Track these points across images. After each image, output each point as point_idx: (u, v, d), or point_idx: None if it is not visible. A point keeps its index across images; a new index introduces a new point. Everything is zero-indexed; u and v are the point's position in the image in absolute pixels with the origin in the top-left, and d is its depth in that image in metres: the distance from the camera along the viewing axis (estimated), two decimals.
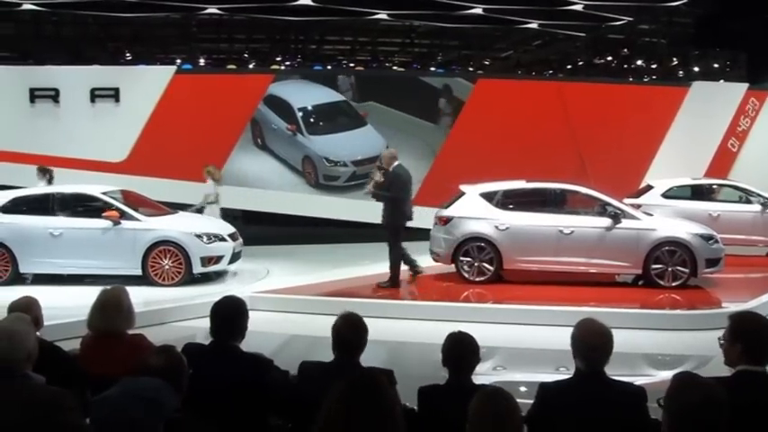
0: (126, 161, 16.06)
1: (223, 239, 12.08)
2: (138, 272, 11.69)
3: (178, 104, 16.26)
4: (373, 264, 13.38)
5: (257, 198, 15.94)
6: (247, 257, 12.78)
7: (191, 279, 11.86)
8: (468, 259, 11.72)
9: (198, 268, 11.83)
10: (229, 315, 4.21)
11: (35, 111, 16.16)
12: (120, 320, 4.53)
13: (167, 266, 11.76)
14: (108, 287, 4.75)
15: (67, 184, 13.33)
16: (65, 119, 16.13)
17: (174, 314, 10.25)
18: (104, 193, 12.32)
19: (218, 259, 12.00)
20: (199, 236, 11.86)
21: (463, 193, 12.13)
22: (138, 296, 4.81)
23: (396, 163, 11.10)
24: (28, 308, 4.52)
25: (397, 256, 11.24)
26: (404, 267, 11.53)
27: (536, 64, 24.97)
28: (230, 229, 12.60)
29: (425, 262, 12.44)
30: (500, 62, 25.03)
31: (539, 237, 11.45)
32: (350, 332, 4.12)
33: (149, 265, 11.74)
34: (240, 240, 12.56)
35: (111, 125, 16.11)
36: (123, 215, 11.92)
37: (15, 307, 4.55)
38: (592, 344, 3.68)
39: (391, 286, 11.21)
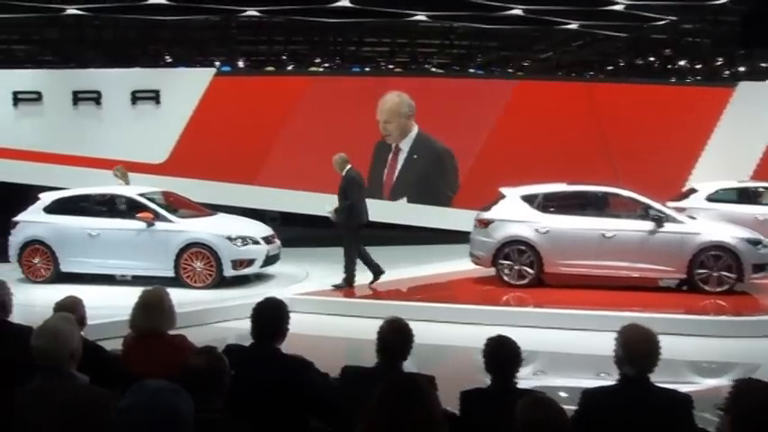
0: (166, 163, 16.27)
1: (256, 242, 12.08)
2: (171, 273, 11.78)
3: (218, 106, 16.41)
4: (412, 266, 13.49)
5: (301, 200, 16.00)
6: (287, 259, 12.80)
7: (224, 281, 11.91)
8: (509, 262, 11.65)
9: (228, 271, 11.86)
10: (270, 317, 4.21)
11: (78, 113, 16.42)
12: (161, 320, 4.57)
13: (199, 269, 11.82)
14: (149, 287, 4.79)
15: (109, 185, 13.56)
16: (106, 121, 16.37)
17: (214, 315, 10.34)
18: (143, 195, 12.49)
19: (250, 262, 12.01)
20: (230, 238, 11.88)
21: (503, 196, 12.07)
22: (174, 298, 4.81)
23: (348, 167, 11.37)
24: (73, 307, 4.56)
25: (353, 258, 11.37)
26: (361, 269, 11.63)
27: (576, 65, 24.73)
28: (266, 231, 12.60)
29: (465, 265, 12.49)
30: (539, 63, 24.84)
31: (580, 240, 11.33)
32: (395, 337, 4.11)
33: (181, 267, 11.83)
34: (277, 243, 12.57)
35: (151, 127, 16.34)
36: (157, 217, 12.04)
37: (61, 306, 4.60)
38: (640, 349, 3.63)
39: (347, 287, 11.39)
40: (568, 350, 9.13)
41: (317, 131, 16.10)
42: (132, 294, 4.82)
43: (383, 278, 11.79)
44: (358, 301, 10.89)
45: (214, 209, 13.43)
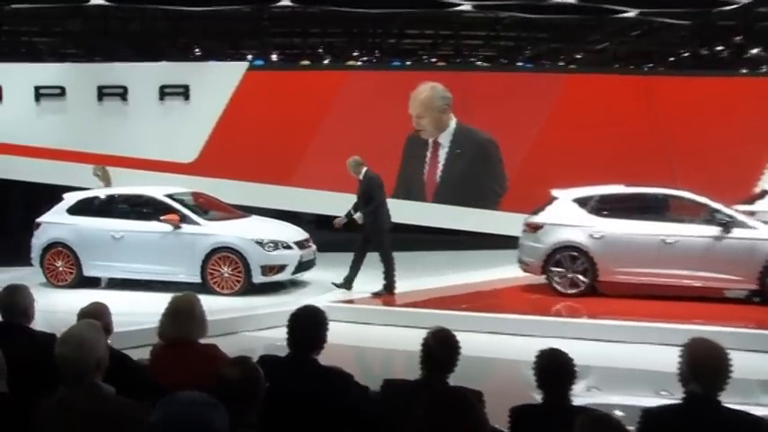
0: (196, 162, 16.43)
1: (288, 247, 12.14)
2: (198, 279, 11.87)
3: (250, 102, 16.55)
4: (456, 273, 13.51)
5: (339, 202, 15.96)
6: (324, 265, 12.89)
7: (255, 288, 11.98)
8: (560, 270, 11.58)
9: (257, 277, 11.91)
10: (308, 325, 4.23)
11: (103, 109, 16.65)
12: (192, 328, 4.59)
13: (226, 274, 11.90)
14: (179, 294, 4.82)
15: (136, 185, 13.82)
16: (133, 117, 16.57)
17: (246, 323, 10.42)
18: (170, 196, 12.63)
19: (281, 268, 12.05)
20: (260, 242, 11.96)
21: (555, 198, 11.99)
22: (203, 305, 4.84)
23: (364, 169, 11.63)
24: (98, 314, 4.61)
25: (391, 263, 11.59)
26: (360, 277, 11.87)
27: (634, 57, 24.40)
28: (300, 235, 12.68)
29: (514, 272, 12.43)
30: (593, 55, 24.57)
31: (638, 246, 11.20)
32: (441, 349, 4.10)
33: (208, 273, 11.92)
34: (312, 248, 12.64)
35: (180, 124, 16.51)
36: (183, 219, 12.15)
37: (86, 313, 4.65)
38: (709, 365, 3.56)
39: (387, 294, 11.58)
40: (625, 365, 9.02)
41: (355, 129, 16.15)
42: (160, 301, 4.86)
43: (430, 284, 11.95)
44: (399, 310, 10.92)
45: (247, 211, 13.56)
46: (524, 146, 16.50)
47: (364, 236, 11.74)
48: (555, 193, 12.09)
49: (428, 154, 16.59)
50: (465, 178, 16.58)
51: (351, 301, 11.35)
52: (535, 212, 12.07)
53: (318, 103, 16.66)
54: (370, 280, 11.85)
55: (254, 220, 13.18)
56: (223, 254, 11.91)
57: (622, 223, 11.43)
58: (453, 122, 16.52)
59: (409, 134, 16.48)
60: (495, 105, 16.41)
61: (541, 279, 11.83)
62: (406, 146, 16.47)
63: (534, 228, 11.89)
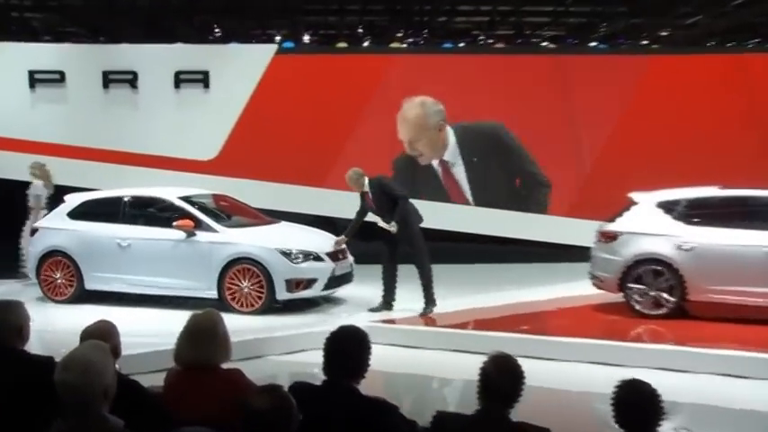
0: (217, 159, 16.66)
1: (318, 258, 12.25)
2: (214, 294, 12.02)
3: (279, 91, 16.71)
4: (517, 289, 13.72)
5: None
6: (364, 279, 12.98)
7: (280, 306, 12.14)
8: (641, 287, 11.52)
9: (282, 294, 12.01)
10: (348, 349, 4.27)
11: (109, 98, 16.88)
12: (214, 351, 4.59)
13: (246, 289, 12.01)
14: (199, 311, 4.84)
15: (147, 186, 13.98)
16: (144, 108, 16.82)
17: (275, 346, 10.53)
18: (186, 198, 12.84)
19: (309, 283, 12.14)
20: (286, 253, 12.06)
21: (634, 203, 11.89)
22: (228, 324, 4.88)
23: (366, 179, 11.98)
24: (106, 334, 4.65)
25: (429, 271, 11.76)
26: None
27: (733, 32, 23.98)
28: (333, 243, 12.74)
29: (585, 288, 12.41)
30: (683, 31, 24.23)
31: (737, 260, 11.03)
32: (502, 378, 4.09)
33: (226, 287, 12.05)
34: (349, 260, 12.76)
35: (198, 116, 16.73)
36: (199, 225, 12.31)
37: (91, 333, 4.68)
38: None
39: (431, 308, 11.77)
40: (722, 402, 8.86)
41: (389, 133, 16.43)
42: (176, 319, 4.92)
43: (488, 301, 12.08)
44: (452, 332, 10.94)
45: (275, 217, 13.80)
46: (597, 142, 16.44)
47: (390, 244, 11.85)
48: (634, 196, 12.01)
49: (441, 178, 16.76)
50: (499, 182, 16.70)
51: (392, 321, 11.44)
52: (611, 219, 12.02)
53: (358, 93, 16.81)
54: (412, 297, 11.93)
55: (283, 227, 13.36)
56: (243, 265, 12.02)
57: (717, 232, 11.24)
58: (451, 135, 16.66)
59: (397, 157, 16.62)
60: (563, 95, 16.33)
61: (618, 297, 11.77)
62: (399, 170, 16.44)
63: (609, 237, 11.83)
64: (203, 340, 4.61)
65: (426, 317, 11.63)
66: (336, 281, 12.48)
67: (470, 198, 16.67)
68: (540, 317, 12.05)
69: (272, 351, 10.38)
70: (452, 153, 16.68)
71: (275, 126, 16.66)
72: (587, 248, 12.37)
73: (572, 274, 13.38)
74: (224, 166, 16.47)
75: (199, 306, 5.16)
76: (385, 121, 16.46)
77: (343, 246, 12.73)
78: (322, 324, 10.67)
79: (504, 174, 16.66)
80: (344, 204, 16.09)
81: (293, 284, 12.06)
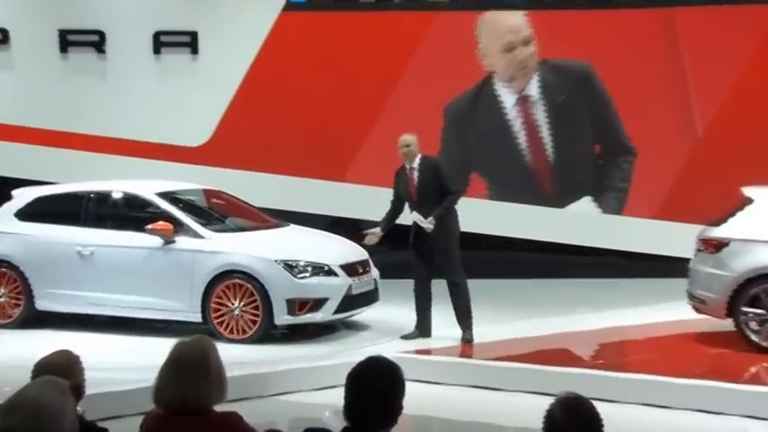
0: (208, 145, 16.66)
1: (330, 273, 12.21)
2: (198, 317, 12.02)
3: (287, 58, 16.68)
4: (589, 312, 13.71)
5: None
6: (391, 297, 13.00)
7: (279, 334, 12.20)
8: (759, 311, 11.30)
9: (282, 317, 11.96)
10: (376, 387, 4.16)
11: (68, 66, 16.89)
12: (205, 390, 4.49)
13: (236, 311, 11.94)
14: (186, 338, 4.74)
15: (119, 178, 13.85)
16: (114, 79, 16.81)
17: (282, 382, 10.49)
18: (164, 195, 12.82)
19: (318, 304, 12.07)
20: (288, 265, 12.03)
21: (749, 201, 11.74)
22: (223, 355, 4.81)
23: (419, 156, 11.94)
24: (65, 369, 4.62)
25: (465, 284, 11.83)
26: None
27: None
28: (354, 255, 12.77)
29: (680, 312, 12.29)
30: None
31: None
32: (573, 425, 4.00)
33: (212, 308, 11.99)
34: (372, 275, 12.78)
35: (185, 90, 16.73)
36: (180, 229, 12.31)
37: (46, 367, 4.65)
38: None
39: (471, 335, 11.78)
40: None
41: (442, 99, 16.15)
42: (156, 349, 4.85)
43: (549, 327, 12.18)
44: (505, 367, 10.88)
45: (285, 218, 13.84)
46: (701, 121, 16.21)
47: (423, 253, 11.81)
48: (750, 191, 11.85)
49: (517, 119, 16.61)
50: (583, 136, 16.54)
51: (428, 352, 11.44)
52: (717, 222, 11.85)
53: (388, 62, 16.71)
54: (451, 320, 11.89)
55: (290, 231, 13.41)
56: (233, 280, 12.00)
57: None
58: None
59: (450, 103, 16.53)
60: (653, 60, 16.11)
61: (726, 325, 11.59)
62: (455, 127, 16.49)
63: (715, 246, 11.62)
64: (192, 376, 4.51)
65: (469, 345, 11.67)
66: (355, 301, 12.43)
67: (550, 152, 16.50)
68: (621, 348, 12.01)
69: (277, 389, 10.33)
70: (535, 87, 16.58)
71: (282, 104, 16.65)
72: (684, 260, 12.24)
73: (662, 293, 13.39)
74: (217, 153, 16.49)
75: (184, 331, 5.04)
76: (423, 99, 16.33)
77: (365, 257, 12.73)
78: (340, 356, 10.75)
79: (590, 128, 16.55)
80: (370, 203, 16.09)
81: (296, 305, 11.99)
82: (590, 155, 16.60)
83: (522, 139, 16.55)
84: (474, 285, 11.86)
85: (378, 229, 12.11)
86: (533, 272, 16.16)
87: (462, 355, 11.39)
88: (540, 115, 16.50)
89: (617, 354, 11.70)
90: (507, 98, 16.53)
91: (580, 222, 16.54)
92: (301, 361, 11.05)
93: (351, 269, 12.39)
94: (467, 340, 11.73)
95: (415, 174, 11.83)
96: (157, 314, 12.23)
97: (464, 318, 11.78)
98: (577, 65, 16.43)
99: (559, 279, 16.03)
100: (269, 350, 11.66)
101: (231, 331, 11.90)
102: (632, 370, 10.70)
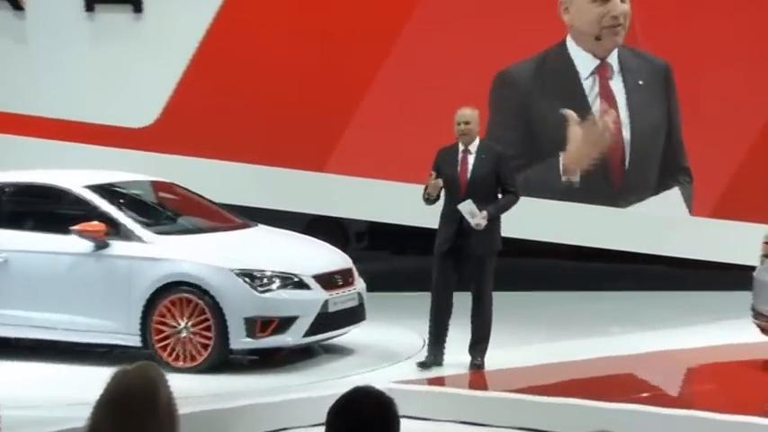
0: (154, 127, 16.66)
1: (301, 285, 12.19)
2: (136, 339, 11.94)
3: (253, 20, 16.64)
4: (632, 332, 13.90)
5: (412, 202, 15.94)
6: (381, 313, 12.97)
7: (241, 360, 12.16)
8: None
9: (239, 340, 11.86)
10: (364, 426, 4.10)
11: None
12: (153, 429, 4.43)
13: (184, 333, 11.85)
14: (127, 367, 4.60)
15: (42, 167, 13.80)
16: (36, 44, 16.80)
17: (245, 420, 10.44)
18: (96, 188, 12.65)
19: (284, 324, 11.99)
20: (248, 275, 12.00)
21: None
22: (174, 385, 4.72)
23: (478, 137, 12.02)
24: None
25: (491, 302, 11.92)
26: None
27: None
28: (333, 262, 12.78)
29: (742, 332, 12.28)
30: None
31: None
32: None
33: (153, 329, 11.91)
34: (356, 288, 12.74)
35: (126, 58, 16.69)
36: (114, 230, 12.19)
37: None
38: None
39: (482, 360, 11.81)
40: None
41: (448, 71, 16.07)
42: (88, 380, 4.70)
43: (576, 353, 12.27)
44: (523, 399, 10.89)
45: (254, 217, 13.86)
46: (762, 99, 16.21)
47: (454, 257, 11.77)
48: None
49: (592, 90, 16.55)
50: (658, 128, 16.50)
51: (429, 382, 11.49)
52: None
53: (379, 25, 16.61)
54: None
55: (256, 234, 13.41)
56: (180, 295, 11.95)
57: None
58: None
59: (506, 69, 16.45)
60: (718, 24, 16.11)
61: None
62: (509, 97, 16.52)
63: None
64: (136, 414, 4.34)
65: (480, 373, 11.68)
66: (333, 320, 12.37)
67: (628, 133, 16.43)
68: (669, 378, 12.13)
69: (239, 428, 10.33)
70: (614, 59, 16.72)
71: (247, 76, 16.68)
72: (747, 269, 12.25)
73: (719, 309, 13.63)
74: (166, 136, 16.53)
75: (122, 357, 4.96)
76: (419, 74, 16.29)
77: (347, 266, 12.78)
78: (318, 387, 10.82)
79: (663, 130, 16.52)
80: (358, 199, 16.02)
81: (258, 326, 11.91)
82: (659, 157, 16.55)
83: (596, 111, 16.53)
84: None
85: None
86: (561, 283, 16.27)
87: (472, 385, 11.47)
88: (619, 92, 16.56)
89: (663, 385, 11.87)
90: (584, 63, 16.52)
91: (620, 223, 16.55)
92: (270, 394, 10.98)
93: (328, 280, 12.34)
94: (477, 366, 11.73)
95: (471, 159, 11.77)
96: (86, 336, 12.13)
97: (480, 340, 11.80)
98: (657, 59, 16.48)
99: (592, 292, 16.16)
100: (228, 381, 11.61)
101: (177, 357, 11.79)
102: (682, 405, 10.71)
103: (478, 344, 11.77)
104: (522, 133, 16.32)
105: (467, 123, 11.71)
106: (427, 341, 11.95)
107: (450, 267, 11.76)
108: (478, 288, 11.74)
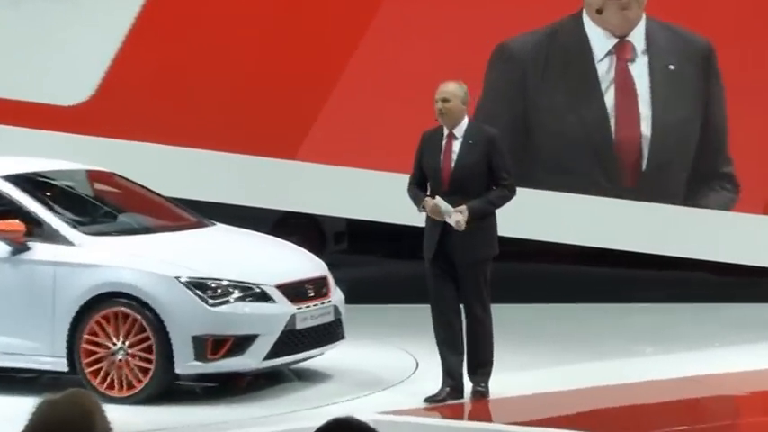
0: (88, 105, 16.64)
1: (263, 297, 12.25)
2: (62, 363, 11.91)
3: None
4: (664, 353, 14.19)
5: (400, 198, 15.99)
6: (366, 329, 13.09)
7: (193, 389, 12.32)
8: None
9: (185, 363, 11.86)
10: None
11: None
12: None
13: (119, 355, 11.81)
14: (55, 396, 4.65)
15: None
16: None
17: None
18: (15, 178, 12.67)
19: (241, 344, 12.01)
20: (198, 285, 12.03)
21: None
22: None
23: (465, 118, 11.95)
24: None
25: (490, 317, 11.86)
26: None
27: None
28: (305, 270, 12.86)
29: None
30: None
31: None
32: None
33: (83, 350, 11.88)
34: (333, 300, 12.79)
35: (55, 24, 16.73)
36: (36, 229, 12.23)
37: None
38: None
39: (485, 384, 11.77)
40: None
41: (437, 46, 16.29)
42: (5, 411, 4.76)
43: (589, 382, 12.38)
44: None
45: (211, 214, 13.93)
46: None
47: (446, 267, 11.78)
48: None
49: (607, 75, 16.61)
50: (693, 118, 16.57)
51: (420, 412, 11.57)
52: None
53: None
54: None
55: (212, 234, 13.50)
56: (115, 308, 11.95)
57: None
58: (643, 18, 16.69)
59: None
60: None
61: None
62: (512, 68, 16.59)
63: None
64: None
65: (483, 401, 11.72)
66: (302, 339, 12.44)
67: (648, 129, 16.50)
68: (710, 408, 12.35)
69: None
70: (639, 37, 16.65)
71: (200, 45, 16.76)
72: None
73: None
74: (104, 117, 16.57)
75: (53, 386, 5.07)
76: (413, 41, 16.45)
77: (320, 273, 12.83)
78: (288, 420, 11.08)
79: (699, 124, 16.59)
80: (338, 191, 16.09)
81: (209, 346, 11.91)
82: (690, 159, 16.58)
83: (609, 101, 16.63)
84: (496, 312, 11.80)
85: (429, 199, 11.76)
86: (579, 294, 16.31)
87: (472, 416, 11.64)
88: (641, 77, 16.62)
89: (703, 416, 11.94)
90: (600, 41, 16.55)
91: (649, 221, 16.60)
92: (226, 429, 11.17)
93: (295, 291, 12.37)
94: (480, 393, 11.67)
95: (456, 145, 11.69)
96: (1, 359, 12.16)
97: (481, 364, 11.75)
98: (697, 37, 16.52)
99: (617, 303, 16.22)
100: (175, 413, 11.63)
101: (112, 385, 11.73)
102: None
103: (480, 367, 11.72)
104: (513, 119, 16.25)
105: (445, 101, 11.63)
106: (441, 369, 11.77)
107: (446, 275, 11.67)
108: (469, 303, 11.70)
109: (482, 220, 11.52)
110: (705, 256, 16.30)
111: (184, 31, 16.56)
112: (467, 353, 11.71)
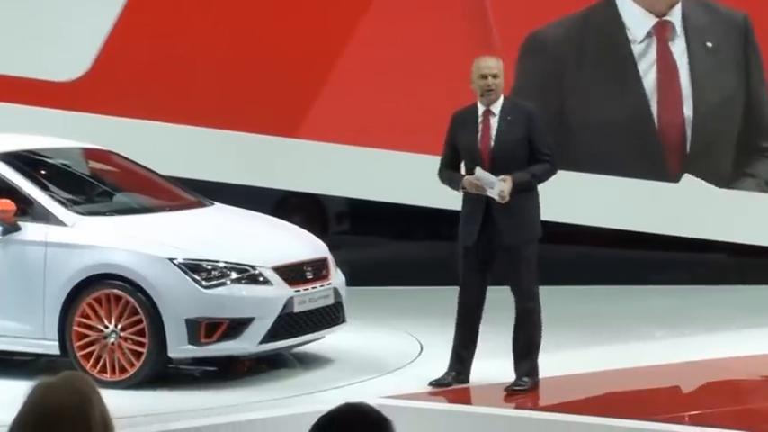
0: (84, 81, 16.64)
1: (259, 279, 12.23)
2: (53, 345, 11.92)
3: None
4: (682, 336, 14.26)
5: (408, 177, 15.90)
6: (370, 312, 13.14)
7: (172, 369, 12.21)
8: None
9: (178, 347, 11.87)
10: None
11: None
12: None
13: (112, 338, 11.82)
14: (51, 379, 4.62)
15: None
16: None
17: None
18: (9, 156, 12.69)
19: (236, 327, 12.02)
20: (193, 267, 12.02)
21: None
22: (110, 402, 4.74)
23: (501, 95, 11.70)
24: None
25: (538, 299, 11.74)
26: None
27: None
28: (304, 251, 12.86)
29: None
30: None
31: None
32: None
33: (75, 334, 11.88)
34: (333, 282, 12.80)
35: (50, 1, 16.83)
36: (28, 209, 12.28)
37: None
38: None
39: (532, 384, 11.58)
40: None
41: (445, 19, 16.20)
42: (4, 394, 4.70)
43: (608, 365, 12.36)
44: (547, 418, 11.08)
45: (211, 194, 13.92)
46: None
47: (481, 248, 11.57)
48: None
49: (647, 59, 16.67)
50: (735, 97, 16.68)
51: (433, 396, 11.52)
52: None
53: None
54: (482, 348, 11.83)
55: (210, 214, 13.51)
56: (108, 290, 11.95)
57: None
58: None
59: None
60: None
61: None
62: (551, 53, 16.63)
63: None
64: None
65: (516, 394, 11.61)
66: (300, 322, 12.41)
67: (690, 110, 16.60)
68: (732, 392, 12.41)
69: None
70: (677, 16, 16.77)
71: (201, 18, 16.76)
72: None
73: None
74: (100, 93, 16.59)
75: (49, 369, 5.03)
76: (420, 14, 16.40)
77: (320, 255, 12.84)
78: (288, 405, 11.04)
79: (742, 99, 16.69)
80: (340, 170, 16.04)
81: (203, 329, 11.89)
82: (734, 138, 16.61)
83: (648, 84, 16.63)
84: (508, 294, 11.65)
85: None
86: (594, 275, 16.29)
87: (483, 400, 11.60)
88: (681, 57, 16.63)
89: (719, 401, 11.81)
90: (638, 22, 16.58)
91: (670, 202, 16.60)
92: (224, 413, 11.01)
93: (293, 273, 12.36)
94: (520, 388, 11.53)
95: (494, 122, 11.51)
96: None
97: (526, 358, 11.60)
98: (733, 12, 16.58)
99: (632, 286, 16.33)
100: (171, 398, 11.63)
101: (104, 369, 11.73)
102: (741, 427, 10.74)
103: (524, 362, 11.55)
104: (550, 113, 15.74)
105: (495, 77, 11.37)
106: (450, 354, 11.67)
107: (480, 263, 11.50)
108: (519, 288, 11.53)
109: (526, 200, 11.40)
110: (724, 237, 16.38)
111: (182, 6, 16.56)
112: (514, 345, 11.54)
